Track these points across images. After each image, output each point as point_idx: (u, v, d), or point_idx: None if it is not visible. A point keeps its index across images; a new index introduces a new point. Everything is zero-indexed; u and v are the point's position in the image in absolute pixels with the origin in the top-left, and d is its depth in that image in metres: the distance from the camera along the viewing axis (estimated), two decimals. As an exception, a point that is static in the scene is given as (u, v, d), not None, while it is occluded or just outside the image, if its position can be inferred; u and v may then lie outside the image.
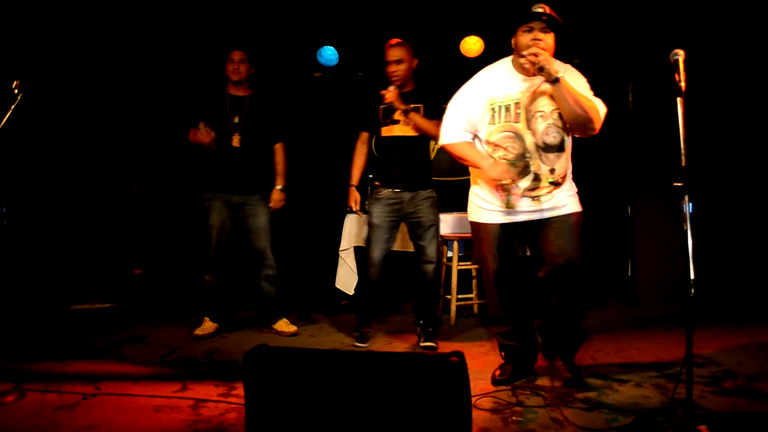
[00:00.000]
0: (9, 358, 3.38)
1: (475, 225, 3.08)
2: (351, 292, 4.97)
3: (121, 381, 3.11)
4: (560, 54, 2.88)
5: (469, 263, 4.71)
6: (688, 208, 2.28)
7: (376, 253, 3.84)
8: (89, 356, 3.55)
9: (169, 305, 5.07)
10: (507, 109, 2.87)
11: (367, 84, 3.78)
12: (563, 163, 2.90)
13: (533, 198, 2.88)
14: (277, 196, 4.16)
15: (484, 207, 3.00)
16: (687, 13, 4.86)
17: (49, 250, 4.78)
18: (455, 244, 4.47)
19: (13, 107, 2.92)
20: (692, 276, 2.24)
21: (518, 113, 2.85)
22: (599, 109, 2.79)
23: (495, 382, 3.01)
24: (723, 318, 4.39)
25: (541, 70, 2.69)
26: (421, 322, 3.88)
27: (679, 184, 2.31)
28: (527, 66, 2.76)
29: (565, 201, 2.91)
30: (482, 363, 3.37)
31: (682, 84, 2.31)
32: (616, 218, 5.41)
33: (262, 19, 5.41)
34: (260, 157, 4.17)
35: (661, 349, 3.60)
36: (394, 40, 3.78)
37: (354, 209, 3.94)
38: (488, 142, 2.93)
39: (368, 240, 3.93)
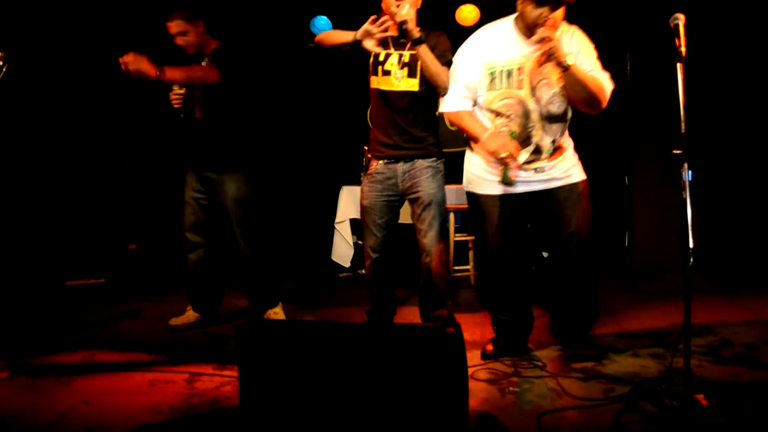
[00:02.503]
0: (2, 335, 3.36)
1: (472, 196, 2.89)
2: (347, 264, 4.97)
3: (116, 356, 3.10)
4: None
5: (465, 235, 4.69)
6: (687, 176, 2.24)
7: (369, 242, 3.15)
8: (84, 331, 3.54)
9: (164, 280, 5.06)
10: (509, 74, 2.68)
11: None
12: (564, 133, 2.79)
13: (535, 170, 2.73)
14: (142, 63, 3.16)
15: (483, 177, 2.80)
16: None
17: (43, 227, 4.76)
18: (451, 216, 4.43)
19: (-2, 80, 2.86)
20: (691, 245, 2.22)
21: (521, 79, 2.67)
22: (606, 88, 2.61)
23: (484, 356, 2.91)
24: (721, 287, 4.39)
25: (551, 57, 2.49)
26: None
27: (678, 152, 2.27)
28: (536, 45, 2.52)
29: (570, 170, 2.75)
30: (479, 334, 3.36)
31: (683, 49, 2.26)
32: (614, 188, 5.38)
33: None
34: (229, 126, 3.48)
35: (659, 318, 3.60)
36: None
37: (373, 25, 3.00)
38: (489, 110, 2.75)
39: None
